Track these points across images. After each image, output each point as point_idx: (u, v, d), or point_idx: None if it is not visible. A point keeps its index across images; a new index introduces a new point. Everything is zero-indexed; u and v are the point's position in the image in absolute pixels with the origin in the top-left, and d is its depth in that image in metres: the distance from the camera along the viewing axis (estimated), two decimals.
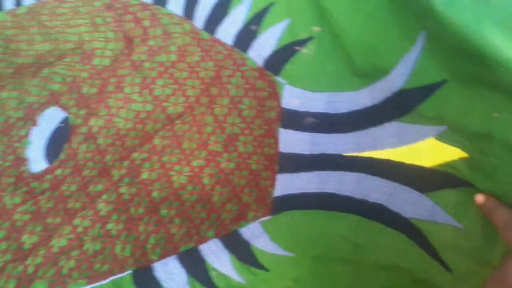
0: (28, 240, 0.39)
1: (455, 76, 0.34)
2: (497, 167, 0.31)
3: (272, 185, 0.40)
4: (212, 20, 0.45)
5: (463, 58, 0.32)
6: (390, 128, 0.37)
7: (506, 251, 0.30)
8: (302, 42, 0.42)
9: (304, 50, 0.42)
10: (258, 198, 0.40)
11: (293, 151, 0.41)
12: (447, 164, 0.35)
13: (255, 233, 0.39)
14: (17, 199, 0.41)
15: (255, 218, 0.39)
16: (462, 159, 0.34)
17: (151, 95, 0.45)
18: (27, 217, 0.40)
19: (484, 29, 0.29)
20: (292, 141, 0.41)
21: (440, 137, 0.35)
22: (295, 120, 0.41)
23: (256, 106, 0.42)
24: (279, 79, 0.42)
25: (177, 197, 0.41)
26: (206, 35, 0.45)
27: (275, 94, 0.42)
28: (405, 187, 0.36)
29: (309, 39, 0.42)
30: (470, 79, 0.33)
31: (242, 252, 0.38)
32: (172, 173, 0.42)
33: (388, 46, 0.38)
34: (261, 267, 0.37)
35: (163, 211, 0.40)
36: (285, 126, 0.41)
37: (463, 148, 0.34)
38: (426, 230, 0.35)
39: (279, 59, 0.43)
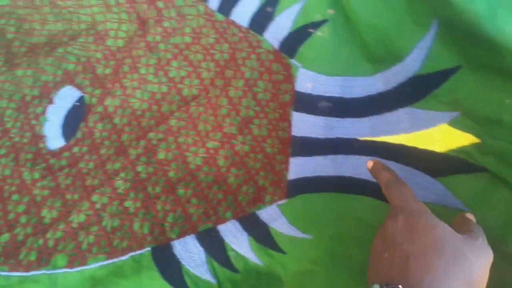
0: (48, 214, 0.40)
1: (468, 62, 0.36)
2: (509, 151, 0.33)
3: (286, 169, 0.41)
4: (227, 2, 0.46)
5: (476, 45, 0.34)
6: (404, 113, 0.38)
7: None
8: (316, 25, 0.43)
9: (318, 33, 0.43)
10: (273, 181, 0.41)
11: (306, 135, 0.42)
12: (459, 150, 0.36)
13: (273, 216, 0.40)
14: (36, 175, 0.42)
15: (271, 201, 0.40)
16: (474, 145, 0.36)
17: (166, 76, 0.46)
18: (46, 192, 0.42)
19: (498, 16, 0.30)
20: (305, 125, 0.42)
21: (453, 123, 0.37)
22: (309, 103, 0.42)
23: (271, 89, 0.43)
24: (293, 61, 0.43)
25: (193, 177, 0.42)
26: (221, 17, 0.46)
27: (289, 77, 0.43)
28: (418, 172, 0.37)
29: (324, 21, 0.42)
30: (483, 65, 0.34)
31: (260, 234, 0.39)
32: (188, 154, 0.43)
33: (402, 32, 0.39)
34: (278, 249, 0.39)
35: (180, 191, 0.41)
36: (298, 109, 0.42)
37: (475, 134, 0.36)
38: (436, 213, 0.36)
39: (294, 41, 0.44)
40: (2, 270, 0.38)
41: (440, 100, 0.36)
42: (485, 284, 0.26)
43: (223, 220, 0.40)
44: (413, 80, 0.38)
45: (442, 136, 0.37)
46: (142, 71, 0.46)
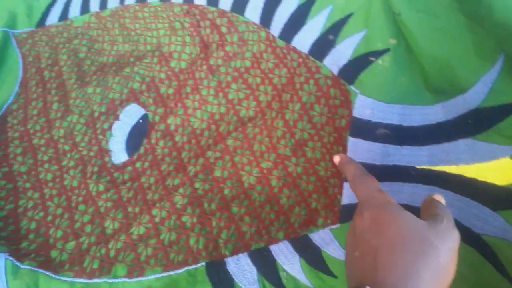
0: (110, 225, 0.43)
1: None
2: None
3: (340, 193, 0.42)
4: (288, 29, 0.48)
5: None
6: (465, 144, 0.38)
7: None
8: (377, 53, 0.44)
9: (379, 61, 0.43)
10: (326, 204, 0.42)
11: (362, 161, 0.42)
12: None
13: (325, 240, 0.40)
14: (101, 187, 0.46)
15: (324, 225, 0.41)
16: None
17: (225, 98, 0.48)
18: (109, 204, 0.44)
19: None
20: (361, 151, 0.42)
21: None
22: (366, 130, 0.43)
23: (327, 113, 0.44)
24: (352, 88, 0.44)
25: (247, 196, 0.44)
26: (281, 43, 0.48)
27: (347, 103, 0.44)
28: (477, 203, 0.37)
29: (385, 51, 0.43)
30: None
31: (312, 256, 0.40)
32: (242, 173, 0.45)
33: (466, 65, 0.39)
34: (330, 273, 0.39)
35: (234, 209, 0.43)
36: (355, 135, 0.43)
37: None
38: (496, 247, 0.36)
39: (354, 68, 0.45)
40: (68, 276, 0.40)
41: (503, 134, 0.36)
42: (454, 267, 0.25)
43: (275, 240, 0.41)
44: (475, 112, 0.38)
45: (503, 170, 0.36)
46: (203, 92, 0.48)
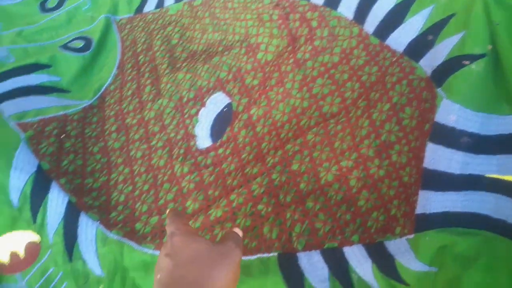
0: (191, 206, 0.46)
1: None
2: None
3: (417, 201, 0.41)
4: (384, 27, 0.47)
5: None
6: None
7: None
8: (472, 57, 0.41)
9: (473, 66, 0.41)
10: (406, 213, 0.41)
11: (441, 169, 0.40)
12: None
13: (400, 249, 0.39)
14: (185, 169, 0.49)
15: (401, 234, 0.40)
16: None
17: (309, 92, 0.49)
18: (192, 185, 0.47)
19: None
20: (441, 159, 0.41)
21: None
22: (450, 137, 0.41)
23: (418, 116, 0.43)
24: (439, 91, 0.42)
25: (323, 193, 0.44)
26: (375, 40, 0.47)
27: (433, 107, 0.42)
28: None
29: (481, 56, 0.41)
30: None
31: (385, 264, 0.39)
32: (320, 169, 0.45)
33: None
34: (402, 281, 0.38)
35: (309, 204, 0.44)
36: (436, 141, 0.41)
37: None
38: None
39: (445, 70, 0.43)
40: (149, 248, 0.44)
41: None
42: (237, 276, 0.33)
43: (349, 243, 0.41)
44: None
45: None
46: (288, 85, 0.49)
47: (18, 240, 0.43)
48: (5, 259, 0.42)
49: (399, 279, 0.38)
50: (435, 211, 0.40)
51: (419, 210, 0.40)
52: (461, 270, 0.36)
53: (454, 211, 0.39)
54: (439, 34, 0.43)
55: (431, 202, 0.40)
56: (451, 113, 0.41)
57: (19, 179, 0.44)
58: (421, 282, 0.38)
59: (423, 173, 0.41)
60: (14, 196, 0.44)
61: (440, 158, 0.41)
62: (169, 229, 0.37)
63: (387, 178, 0.43)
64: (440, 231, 0.39)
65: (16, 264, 0.42)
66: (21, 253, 0.43)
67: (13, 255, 0.42)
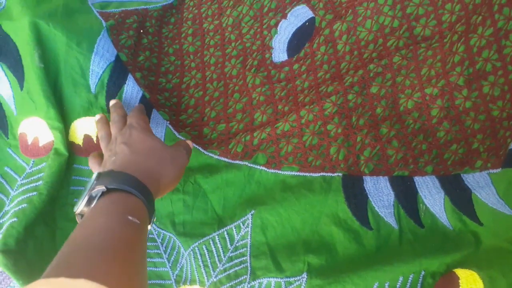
0: (259, 117, 0.48)
1: None
2: None
3: (510, 136, 0.39)
4: None
5: None
6: None
7: None
8: None
9: None
10: (491, 147, 0.39)
11: None
12: None
13: (480, 183, 0.38)
14: (257, 81, 0.50)
15: (482, 168, 0.39)
16: None
17: (402, 11, 0.46)
18: (262, 98, 0.49)
19: None
20: None
21: None
22: None
23: None
24: None
25: (400, 120, 0.43)
26: None
27: None
28: None
29: None
30: None
31: (459, 197, 0.39)
32: (401, 95, 0.44)
33: None
34: (476, 218, 0.38)
35: (383, 129, 0.43)
36: None
37: None
38: None
39: None
40: (214, 154, 0.46)
41: None
42: (179, 178, 0.41)
43: (422, 173, 0.41)
44: None
45: None
46: (380, 1, 0.47)
47: (93, 126, 0.47)
48: (80, 141, 0.47)
49: (473, 215, 0.38)
50: None
51: None
52: None
53: None
54: None
55: None
56: None
57: (98, 65, 0.47)
58: (497, 224, 0.37)
59: None
60: (93, 82, 0.47)
61: None
62: (129, 120, 0.43)
63: (473, 111, 0.41)
64: None
65: (90, 147, 0.47)
66: (94, 138, 0.47)
67: (87, 139, 0.47)
